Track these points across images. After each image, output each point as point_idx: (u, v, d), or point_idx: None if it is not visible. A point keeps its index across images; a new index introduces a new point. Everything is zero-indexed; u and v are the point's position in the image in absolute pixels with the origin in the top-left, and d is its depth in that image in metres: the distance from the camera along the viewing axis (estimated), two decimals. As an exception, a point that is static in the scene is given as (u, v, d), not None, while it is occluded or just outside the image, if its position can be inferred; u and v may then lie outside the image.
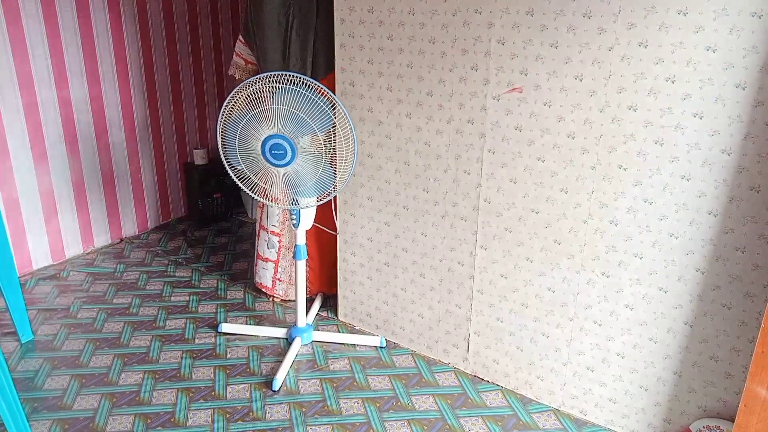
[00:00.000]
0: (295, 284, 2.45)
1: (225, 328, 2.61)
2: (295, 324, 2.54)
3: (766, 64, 1.51)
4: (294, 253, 2.40)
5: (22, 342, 2.49)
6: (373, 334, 2.61)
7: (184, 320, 2.69)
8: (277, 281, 2.84)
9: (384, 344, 2.50)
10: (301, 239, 2.38)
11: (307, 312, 2.67)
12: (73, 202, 3.23)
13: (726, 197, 1.65)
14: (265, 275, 2.85)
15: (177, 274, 3.14)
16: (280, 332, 2.57)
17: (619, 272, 1.88)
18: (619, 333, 1.94)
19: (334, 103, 2.09)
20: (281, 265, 2.80)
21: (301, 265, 2.42)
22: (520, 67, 1.89)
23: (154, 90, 3.54)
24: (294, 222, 2.32)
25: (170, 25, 3.59)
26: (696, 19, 1.56)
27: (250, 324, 2.69)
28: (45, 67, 2.96)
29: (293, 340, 2.48)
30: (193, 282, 3.07)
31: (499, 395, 2.23)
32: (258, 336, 2.59)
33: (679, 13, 1.59)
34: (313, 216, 2.36)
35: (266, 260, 2.81)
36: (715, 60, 1.57)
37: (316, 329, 2.62)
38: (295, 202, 2.26)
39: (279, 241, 2.75)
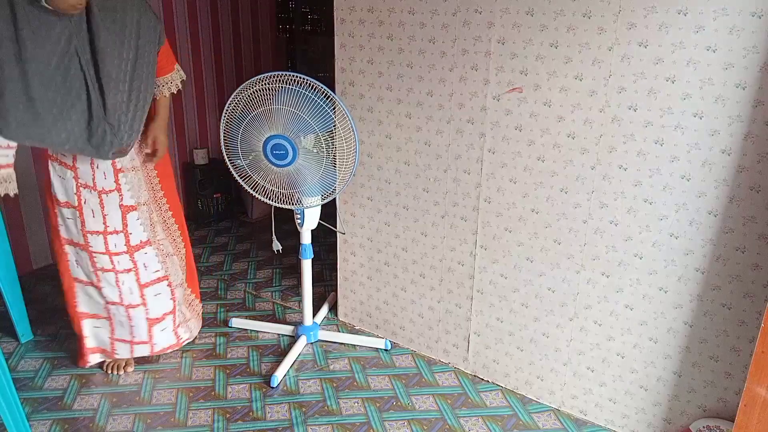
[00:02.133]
0: (302, 282, 2.45)
1: (235, 323, 2.64)
2: (301, 322, 2.55)
3: (766, 64, 1.51)
4: (300, 253, 2.40)
5: (22, 342, 2.49)
6: (377, 336, 2.61)
7: (184, 320, 2.69)
8: (117, 342, 2.28)
9: (389, 347, 2.50)
10: (307, 238, 2.38)
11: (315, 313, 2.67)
12: (73, 202, 3.23)
13: (726, 197, 1.65)
14: (99, 334, 2.27)
15: (177, 274, 3.13)
16: (287, 329, 2.59)
17: (619, 272, 1.88)
18: (619, 333, 1.94)
19: (335, 103, 2.09)
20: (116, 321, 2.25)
21: (307, 264, 2.42)
22: (520, 67, 1.89)
23: (154, 90, 3.54)
24: (299, 222, 2.33)
25: (170, 25, 3.59)
26: (696, 19, 1.56)
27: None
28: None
29: (299, 337, 2.49)
30: (193, 282, 3.07)
31: (499, 395, 2.23)
32: (267, 332, 2.60)
33: (679, 13, 1.59)
34: (318, 215, 2.36)
35: (95, 317, 2.23)
36: (715, 60, 1.57)
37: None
38: (299, 201, 2.26)
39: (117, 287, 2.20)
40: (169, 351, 2.39)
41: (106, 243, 2.12)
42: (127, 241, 2.16)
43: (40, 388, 2.20)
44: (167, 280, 2.28)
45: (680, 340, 1.83)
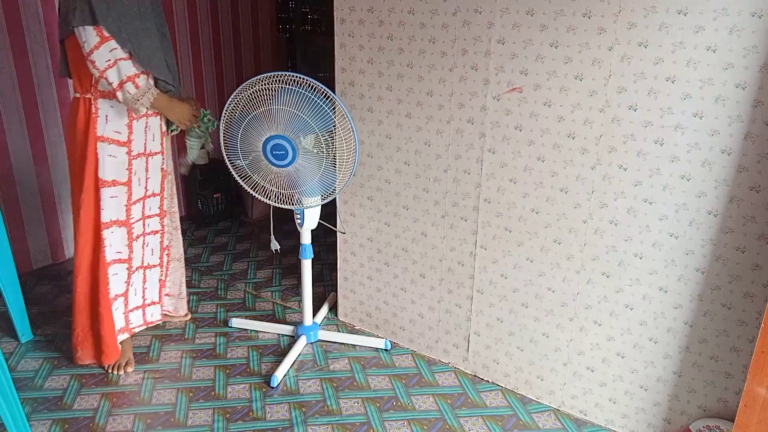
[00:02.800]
0: (302, 282, 2.45)
1: (235, 323, 2.64)
2: (301, 322, 2.55)
3: (766, 64, 1.51)
4: (300, 253, 2.41)
5: (22, 342, 2.49)
6: (377, 336, 2.61)
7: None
8: (130, 313, 2.35)
9: (389, 347, 2.50)
10: (307, 238, 2.38)
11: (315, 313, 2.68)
12: (73, 202, 3.23)
13: (726, 197, 1.65)
14: (116, 315, 2.27)
15: (177, 274, 3.14)
16: (287, 329, 2.59)
17: (619, 272, 1.88)
18: (619, 333, 1.94)
19: (335, 103, 2.09)
20: (133, 288, 2.33)
21: (307, 264, 2.42)
22: (520, 67, 1.89)
23: (154, 90, 3.54)
24: (299, 222, 2.33)
25: (170, 26, 3.58)
26: (696, 19, 1.56)
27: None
28: (45, 67, 2.96)
29: (299, 337, 2.48)
30: (193, 282, 3.07)
31: (499, 395, 2.23)
32: (267, 332, 2.60)
33: (679, 13, 1.59)
34: (318, 215, 2.36)
35: (115, 298, 2.25)
36: (715, 60, 1.57)
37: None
38: (299, 201, 2.26)
39: (129, 268, 2.27)
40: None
41: (143, 207, 2.26)
42: (161, 204, 2.34)
43: (40, 388, 2.21)
44: (168, 249, 2.48)
45: (680, 340, 1.83)
